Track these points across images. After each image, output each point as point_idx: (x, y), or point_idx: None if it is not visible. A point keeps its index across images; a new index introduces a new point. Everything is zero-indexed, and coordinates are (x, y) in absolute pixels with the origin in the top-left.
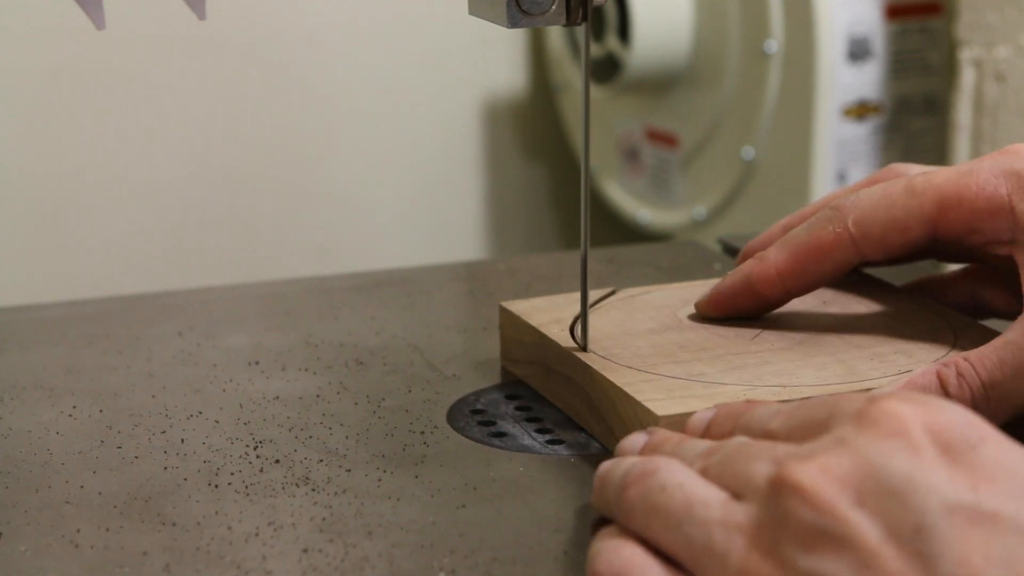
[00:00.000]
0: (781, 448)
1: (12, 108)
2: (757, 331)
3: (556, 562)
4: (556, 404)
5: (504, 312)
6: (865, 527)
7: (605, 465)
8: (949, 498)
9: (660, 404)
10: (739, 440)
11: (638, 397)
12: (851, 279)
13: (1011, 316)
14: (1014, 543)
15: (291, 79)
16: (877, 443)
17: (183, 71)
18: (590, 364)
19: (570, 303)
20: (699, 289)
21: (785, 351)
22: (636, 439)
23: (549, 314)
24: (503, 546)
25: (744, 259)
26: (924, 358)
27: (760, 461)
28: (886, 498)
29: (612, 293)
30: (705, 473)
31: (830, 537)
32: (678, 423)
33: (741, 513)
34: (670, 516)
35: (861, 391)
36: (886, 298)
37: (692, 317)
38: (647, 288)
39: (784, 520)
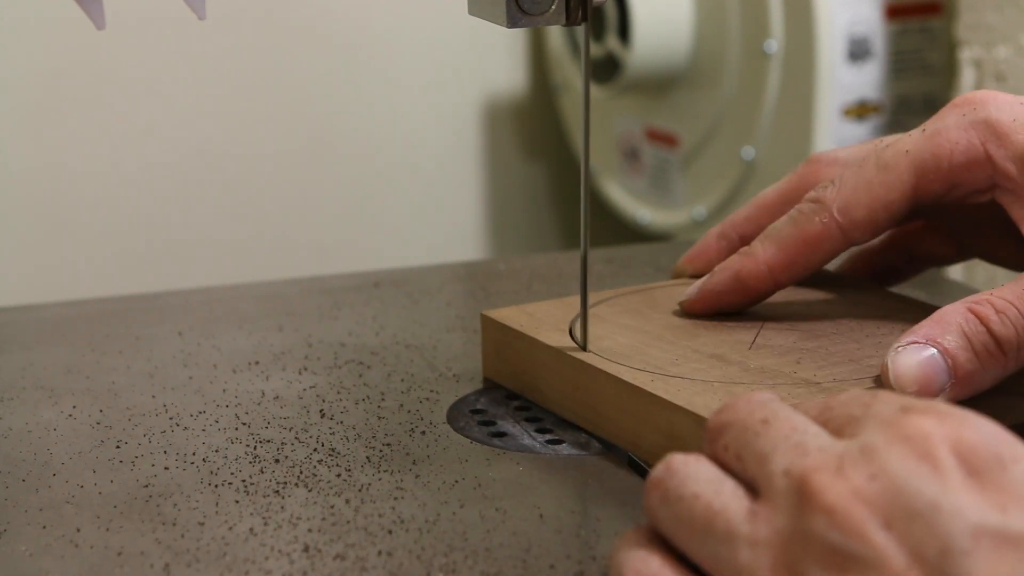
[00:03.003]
0: (811, 435)
1: (12, 108)
2: (756, 330)
3: (556, 562)
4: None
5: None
6: (892, 551)
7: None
8: (975, 521)
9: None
10: (765, 399)
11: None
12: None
13: (950, 262)
14: None
15: (291, 79)
16: (905, 464)
17: (183, 71)
18: (598, 366)
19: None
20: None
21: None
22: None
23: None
24: (503, 546)
25: (678, 274)
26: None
27: (781, 451)
28: (912, 521)
29: None
30: (719, 434)
31: (856, 560)
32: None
33: (765, 526)
34: (693, 528)
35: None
36: (884, 299)
37: (676, 313)
38: (644, 287)
39: (811, 539)
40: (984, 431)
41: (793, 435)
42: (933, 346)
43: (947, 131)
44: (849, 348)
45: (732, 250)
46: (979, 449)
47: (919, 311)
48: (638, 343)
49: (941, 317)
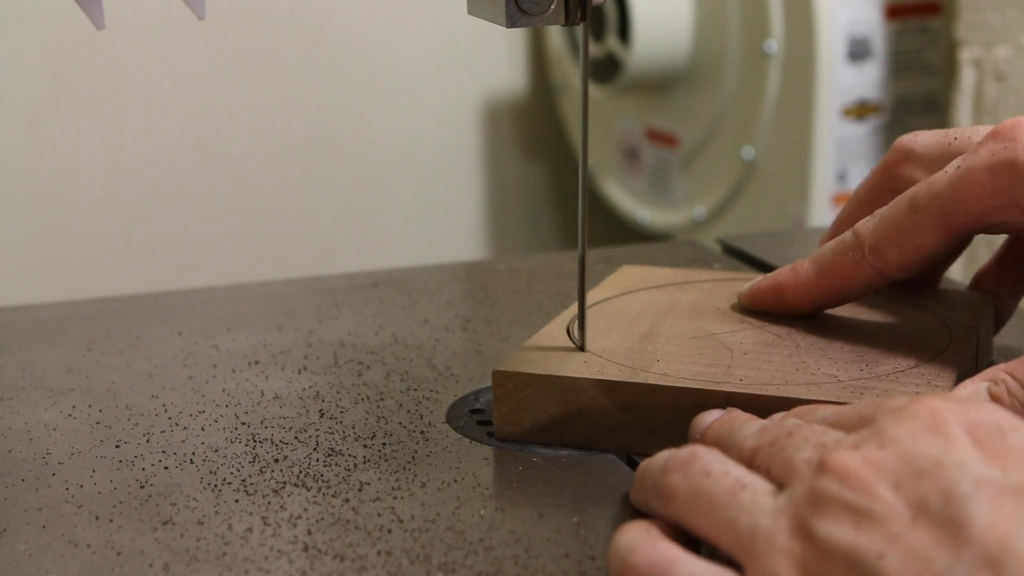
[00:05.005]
0: (830, 435)
1: (12, 108)
2: (744, 327)
3: (555, 562)
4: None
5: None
6: (899, 507)
7: (647, 459)
8: (978, 473)
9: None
10: (791, 422)
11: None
12: None
13: None
14: None
15: (291, 79)
16: (914, 434)
17: (183, 71)
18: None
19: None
20: (692, 289)
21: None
22: (710, 413)
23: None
24: (502, 545)
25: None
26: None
27: (805, 449)
28: (919, 479)
29: None
30: (754, 456)
31: (864, 513)
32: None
33: (784, 499)
34: (715, 499)
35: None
36: (896, 300)
37: (734, 308)
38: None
39: (824, 498)
40: (986, 408)
41: (812, 437)
42: None
43: (975, 172)
44: (776, 358)
45: None
46: (982, 422)
47: (930, 340)
48: (633, 313)
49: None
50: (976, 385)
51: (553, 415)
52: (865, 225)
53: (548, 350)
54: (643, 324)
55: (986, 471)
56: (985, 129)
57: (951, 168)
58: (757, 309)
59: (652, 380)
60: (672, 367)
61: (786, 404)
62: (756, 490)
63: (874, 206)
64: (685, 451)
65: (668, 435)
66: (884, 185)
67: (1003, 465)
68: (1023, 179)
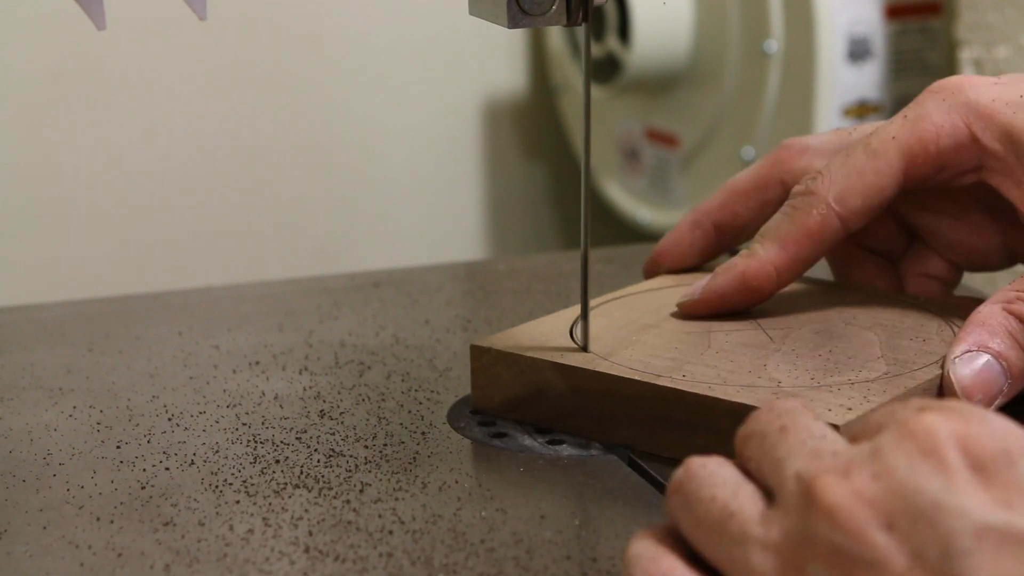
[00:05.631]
0: (826, 443)
1: (12, 108)
2: (743, 328)
3: (557, 563)
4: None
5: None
6: (893, 552)
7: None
8: (979, 520)
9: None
10: (783, 409)
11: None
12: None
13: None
14: None
15: (291, 80)
16: (909, 461)
17: (183, 71)
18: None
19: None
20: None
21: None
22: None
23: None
24: (503, 546)
25: (653, 270)
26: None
27: (796, 456)
28: (915, 522)
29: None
30: (749, 462)
31: (858, 561)
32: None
33: (776, 530)
34: (710, 529)
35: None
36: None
37: (675, 315)
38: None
39: (816, 541)
40: (993, 426)
41: (809, 441)
42: (985, 352)
43: (930, 116)
44: (743, 359)
45: (707, 240)
46: (986, 444)
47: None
48: (658, 305)
49: (983, 322)
50: (992, 308)
51: (518, 393)
52: (814, 182)
53: (533, 331)
54: (657, 316)
55: (988, 513)
56: (878, 123)
57: (898, 119)
58: (714, 311)
59: (600, 367)
60: (634, 358)
61: (708, 403)
62: (744, 517)
63: (758, 197)
64: (680, 470)
65: (614, 423)
66: (773, 177)
67: (1007, 501)
68: (981, 115)
